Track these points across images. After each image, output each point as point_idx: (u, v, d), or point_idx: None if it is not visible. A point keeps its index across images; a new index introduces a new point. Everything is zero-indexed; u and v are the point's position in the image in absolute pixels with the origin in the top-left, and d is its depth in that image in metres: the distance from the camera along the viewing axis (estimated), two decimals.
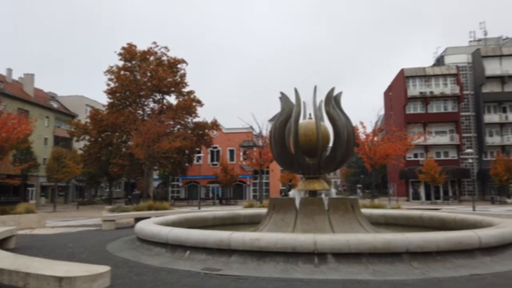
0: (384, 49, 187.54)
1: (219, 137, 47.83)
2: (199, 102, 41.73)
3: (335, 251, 6.07)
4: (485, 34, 53.02)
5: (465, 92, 47.05)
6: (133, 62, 41.09)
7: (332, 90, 9.28)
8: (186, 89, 42.22)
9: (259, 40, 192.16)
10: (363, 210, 10.35)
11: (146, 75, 40.22)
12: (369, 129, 32.99)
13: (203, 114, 64.52)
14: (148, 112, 41.61)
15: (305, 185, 9.46)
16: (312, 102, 9.42)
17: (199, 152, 40.96)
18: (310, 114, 9.84)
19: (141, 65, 40.80)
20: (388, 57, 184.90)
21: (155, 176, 49.51)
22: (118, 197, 53.75)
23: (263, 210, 11.50)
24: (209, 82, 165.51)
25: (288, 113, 9.18)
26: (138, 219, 12.91)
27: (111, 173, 41.58)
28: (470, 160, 36.97)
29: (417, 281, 5.30)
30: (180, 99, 41.64)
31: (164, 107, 41.44)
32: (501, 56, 46.42)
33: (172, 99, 42.89)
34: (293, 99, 9.22)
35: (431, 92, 45.99)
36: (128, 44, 40.98)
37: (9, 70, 46.69)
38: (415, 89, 46.58)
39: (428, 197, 43.24)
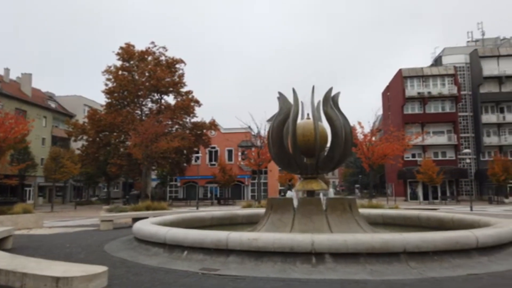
0: (384, 49, 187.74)
1: (217, 137, 47.84)
2: (197, 102, 41.75)
3: (333, 251, 6.07)
4: (483, 34, 53.24)
5: (462, 92, 47.14)
6: (131, 62, 41.08)
7: (330, 90, 9.30)
8: (184, 89, 42.30)
9: (259, 40, 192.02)
10: (361, 210, 10.35)
11: (144, 75, 40.19)
12: (367, 129, 33.13)
13: (203, 114, 64.79)
14: (146, 112, 41.59)
15: (303, 185, 9.46)
16: (310, 102, 9.42)
17: (197, 152, 40.98)
18: (308, 114, 9.84)
19: (139, 65, 40.78)
20: (388, 57, 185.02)
21: (153, 176, 49.51)
22: (116, 197, 53.64)
23: (261, 210, 11.48)
24: (209, 82, 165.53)
25: (286, 113, 9.17)
26: (136, 219, 12.91)
27: (109, 173, 41.54)
28: (468, 160, 37.06)
29: (415, 281, 5.31)
30: (178, 99, 41.67)
31: (162, 107, 41.43)
32: (498, 56, 46.54)
33: (170, 99, 43.04)
34: (291, 99, 9.23)
35: (429, 93, 46.12)
36: (126, 44, 41.01)
37: (7, 70, 46.57)
38: (413, 89, 46.70)
39: (426, 197, 43.39)
